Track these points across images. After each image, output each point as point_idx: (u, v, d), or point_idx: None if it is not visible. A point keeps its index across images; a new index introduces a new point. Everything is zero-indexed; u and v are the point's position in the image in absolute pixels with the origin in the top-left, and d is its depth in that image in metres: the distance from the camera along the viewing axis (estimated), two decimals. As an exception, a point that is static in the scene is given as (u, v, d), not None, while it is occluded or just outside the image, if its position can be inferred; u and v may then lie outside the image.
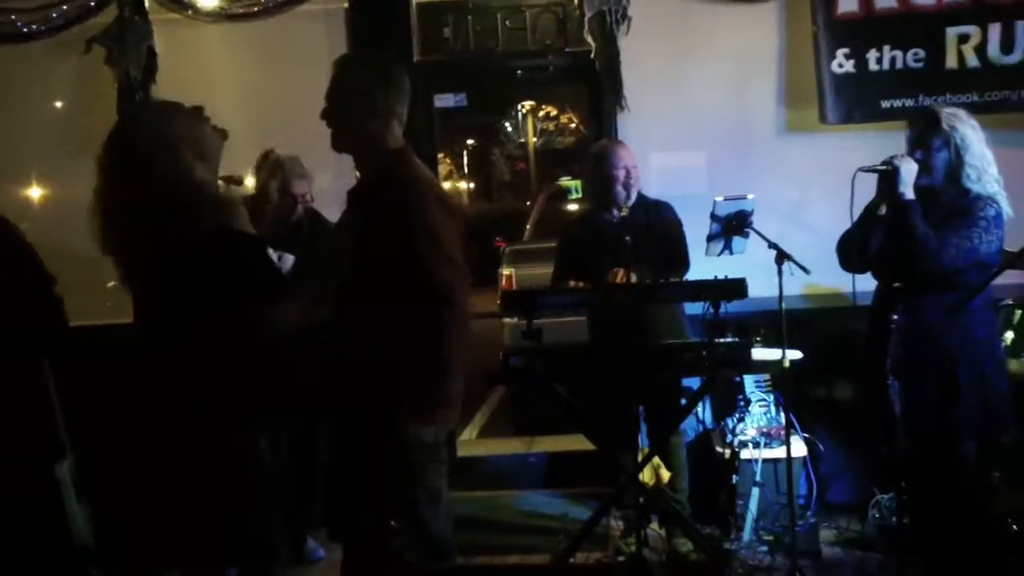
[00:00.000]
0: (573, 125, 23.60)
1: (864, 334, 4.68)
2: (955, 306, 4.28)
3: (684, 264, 5.72)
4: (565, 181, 15.70)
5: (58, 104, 6.91)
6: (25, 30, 6.69)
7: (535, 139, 25.55)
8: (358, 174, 3.98)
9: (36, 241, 6.91)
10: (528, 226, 13.61)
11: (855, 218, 4.58)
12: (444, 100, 7.45)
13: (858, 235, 4.55)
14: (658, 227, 5.75)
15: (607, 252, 5.64)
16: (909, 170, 4.36)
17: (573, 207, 13.56)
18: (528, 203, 16.68)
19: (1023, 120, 6.27)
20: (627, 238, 5.64)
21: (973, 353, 4.36)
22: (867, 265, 4.63)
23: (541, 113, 25.08)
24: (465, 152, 26.90)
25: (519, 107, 25.02)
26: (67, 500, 5.19)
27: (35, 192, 6.95)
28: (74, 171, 6.86)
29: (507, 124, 26.32)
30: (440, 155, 19.44)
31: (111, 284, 6.77)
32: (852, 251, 4.60)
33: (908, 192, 4.34)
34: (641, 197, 5.84)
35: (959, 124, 4.40)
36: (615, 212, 5.73)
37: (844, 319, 4.99)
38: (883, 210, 4.47)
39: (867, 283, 4.69)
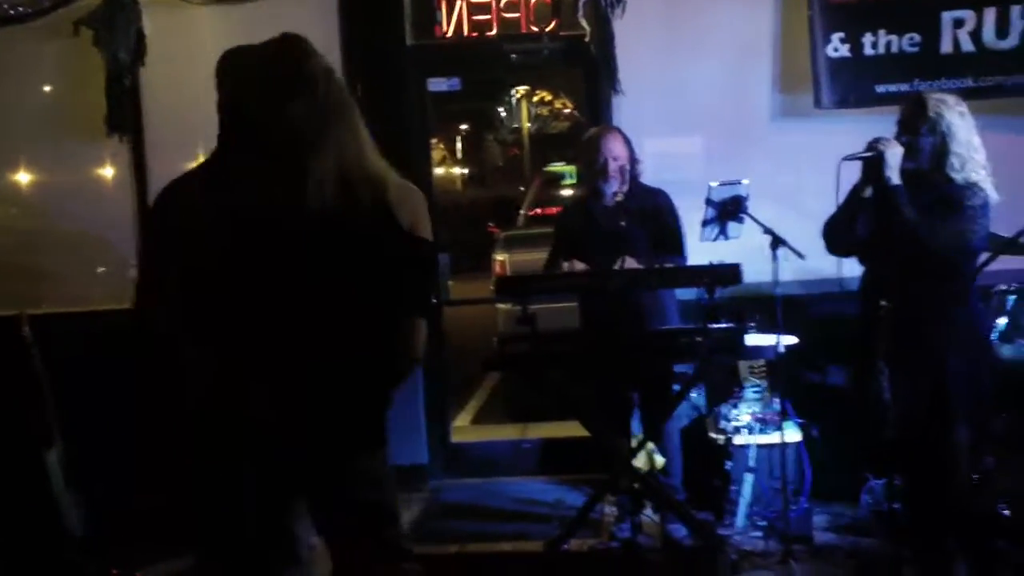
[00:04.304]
0: (567, 110, 23.54)
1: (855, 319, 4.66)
2: (946, 295, 4.27)
3: (680, 255, 5.68)
4: (558, 166, 15.68)
5: (46, 87, 6.85)
6: (12, 12, 6.63)
7: (529, 124, 25.49)
8: None
9: (25, 226, 6.92)
10: (522, 211, 13.61)
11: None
12: (437, 84, 7.39)
13: (844, 219, 4.53)
14: (653, 214, 5.72)
15: (602, 238, 5.63)
16: (894, 154, 4.34)
17: (567, 192, 13.55)
18: (522, 188, 16.66)
19: (1017, 105, 6.25)
20: (622, 223, 5.63)
21: (961, 340, 4.35)
22: (853, 250, 4.60)
23: (535, 98, 25.01)
24: (459, 137, 26.86)
25: (513, 92, 24.96)
26: (56, 487, 5.17)
27: (23, 176, 6.90)
28: (62, 155, 6.83)
29: (501, 109, 26.28)
30: (434, 140, 19.41)
31: (101, 270, 6.83)
32: (838, 236, 4.58)
33: (894, 177, 4.33)
34: (637, 184, 5.81)
35: (946, 110, 4.38)
36: (610, 197, 5.71)
37: (840, 304, 4.97)
38: (867, 192, 4.45)
39: (860, 267, 4.67)
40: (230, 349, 3.23)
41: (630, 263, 5.45)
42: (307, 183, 3.08)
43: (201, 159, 6.02)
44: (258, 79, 3.28)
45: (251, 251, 3.15)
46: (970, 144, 4.37)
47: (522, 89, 24.46)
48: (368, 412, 3.28)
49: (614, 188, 5.70)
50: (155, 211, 3.58)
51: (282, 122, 3.13)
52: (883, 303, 4.41)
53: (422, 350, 3.33)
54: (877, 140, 4.40)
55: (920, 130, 4.38)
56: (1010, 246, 4.49)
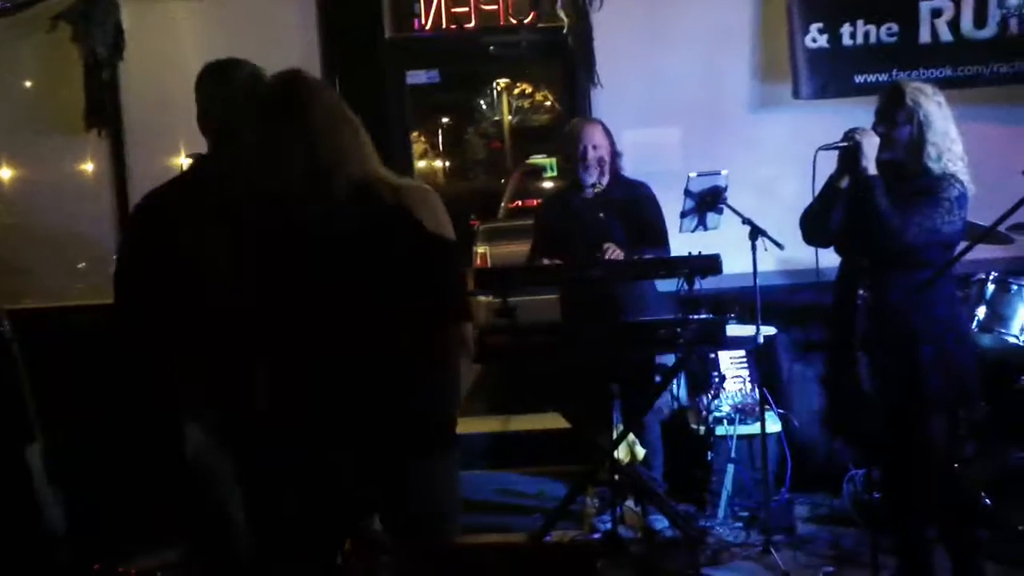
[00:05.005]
0: (548, 103, 23.50)
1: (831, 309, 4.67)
2: (921, 285, 4.26)
3: (662, 248, 5.68)
4: (538, 159, 15.68)
5: (24, 83, 6.81)
6: (-10, 7, 6.60)
7: (510, 117, 25.44)
8: None
9: (3, 221, 6.88)
10: (502, 204, 13.61)
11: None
12: (416, 77, 7.40)
13: (820, 209, 4.52)
14: (634, 206, 5.72)
15: (581, 230, 5.63)
16: (871, 144, 4.32)
17: (547, 184, 13.56)
18: (504, 181, 16.65)
19: (996, 95, 6.27)
20: (601, 215, 5.63)
21: (936, 330, 4.34)
22: (830, 240, 4.60)
23: (516, 91, 24.94)
24: (440, 130, 26.80)
25: (494, 85, 24.91)
26: (37, 484, 5.15)
27: (2, 172, 6.86)
28: (41, 150, 6.80)
29: (481, 102, 26.22)
30: (415, 134, 19.36)
31: (81, 265, 6.80)
32: (815, 226, 4.56)
33: (871, 167, 4.30)
34: (619, 177, 5.81)
35: (923, 100, 4.37)
36: (589, 189, 5.71)
37: (820, 294, 4.97)
38: (844, 183, 4.45)
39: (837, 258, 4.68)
40: (237, 359, 3.24)
41: (613, 251, 5.45)
42: (302, 198, 3.08)
43: (182, 154, 6.02)
44: (246, 104, 3.30)
45: (265, 265, 3.16)
46: (947, 135, 4.37)
47: (503, 82, 24.41)
48: (395, 416, 3.27)
49: (593, 177, 5.69)
50: (140, 217, 3.58)
51: (271, 145, 3.13)
52: (860, 293, 4.42)
53: (473, 350, 3.34)
54: (854, 130, 4.39)
55: (897, 120, 4.37)
56: (988, 235, 4.49)
